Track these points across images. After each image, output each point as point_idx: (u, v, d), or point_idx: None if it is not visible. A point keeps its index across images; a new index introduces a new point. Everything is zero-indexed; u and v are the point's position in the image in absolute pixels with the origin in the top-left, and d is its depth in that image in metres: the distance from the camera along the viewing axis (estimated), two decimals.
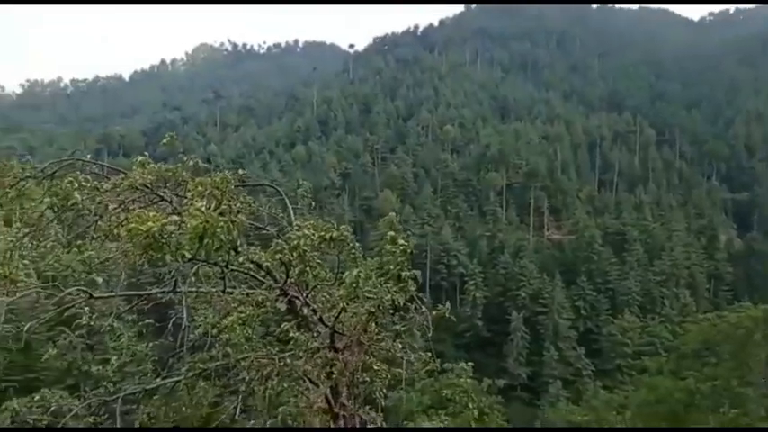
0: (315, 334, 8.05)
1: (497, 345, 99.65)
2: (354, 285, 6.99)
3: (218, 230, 5.74)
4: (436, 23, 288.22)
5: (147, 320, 9.80)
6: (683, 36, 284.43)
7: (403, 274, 7.07)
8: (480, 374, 42.33)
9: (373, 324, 7.33)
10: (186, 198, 9.20)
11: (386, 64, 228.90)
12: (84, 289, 7.77)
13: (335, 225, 7.42)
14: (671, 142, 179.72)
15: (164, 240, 5.69)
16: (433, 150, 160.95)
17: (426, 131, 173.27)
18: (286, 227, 9.28)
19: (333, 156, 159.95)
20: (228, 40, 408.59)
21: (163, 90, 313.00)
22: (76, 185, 8.33)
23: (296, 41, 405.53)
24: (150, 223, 5.69)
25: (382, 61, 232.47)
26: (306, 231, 7.17)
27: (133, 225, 5.71)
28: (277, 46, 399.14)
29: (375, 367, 8.55)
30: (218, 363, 8.20)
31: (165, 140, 9.61)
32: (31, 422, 7.59)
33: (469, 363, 21.12)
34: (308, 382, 7.72)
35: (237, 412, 7.66)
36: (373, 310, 7.09)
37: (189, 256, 5.85)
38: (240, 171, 10.21)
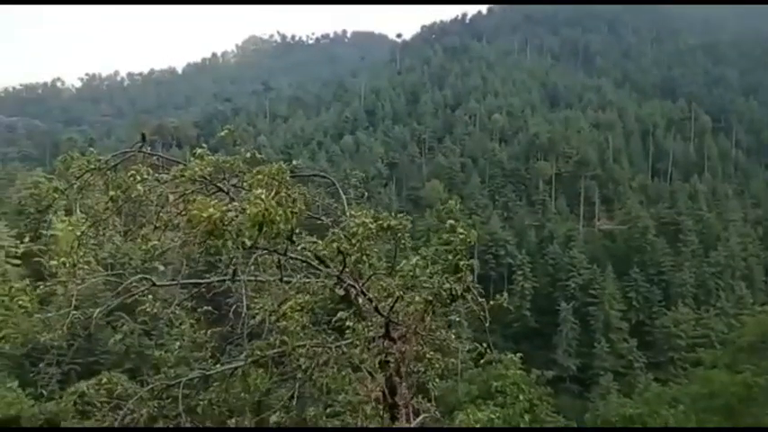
0: (369, 323, 8.06)
1: (546, 336, 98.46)
2: (411, 275, 6.97)
3: (277, 218, 5.78)
4: (484, 11, 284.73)
5: (205, 308, 9.99)
6: (742, 20, 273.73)
7: (461, 263, 7.00)
8: (529, 365, 41.88)
9: (430, 314, 7.30)
10: (243, 189, 9.37)
11: (434, 53, 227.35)
12: (148, 277, 7.96)
13: (393, 214, 7.39)
14: (727, 130, 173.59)
15: (225, 227, 5.76)
16: (480, 140, 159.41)
17: (474, 121, 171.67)
18: (340, 216, 9.33)
19: (380, 146, 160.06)
20: (278, 32, 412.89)
21: (214, 82, 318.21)
22: (139, 178, 8.55)
23: (344, 32, 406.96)
24: (212, 210, 5.76)
25: (430, 50, 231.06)
26: (364, 220, 7.15)
27: (195, 212, 5.78)
28: (325, 36, 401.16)
29: (429, 357, 8.54)
30: (275, 350, 8.29)
31: (223, 133, 9.73)
32: (98, 405, 7.83)
33: (519, 354, 20.84)
34: (363, 371, 7.74)
35: (295, 399, 7.73)
36: (431, 299, 7.05)
37: (249, 243, 5.91)
38: (294, 162, 10.33)
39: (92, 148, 9.40)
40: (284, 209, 5.88)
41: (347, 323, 7.79)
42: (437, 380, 9.27)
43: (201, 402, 8.36)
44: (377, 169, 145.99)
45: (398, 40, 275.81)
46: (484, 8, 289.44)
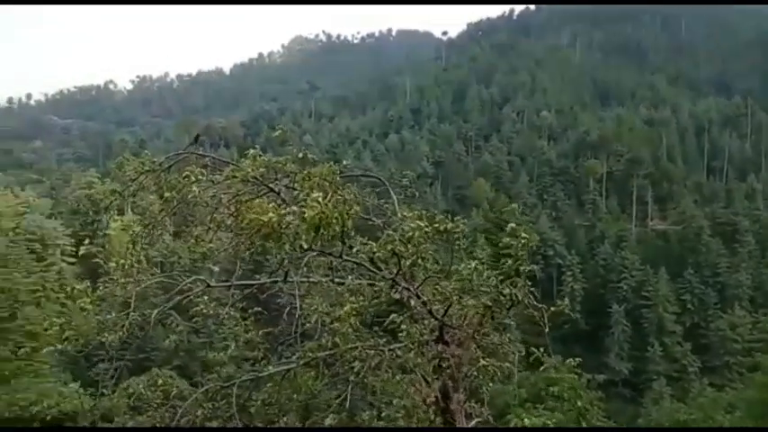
0: (423, 327, 7.97)
1: (597, 339, 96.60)
2: (469, 278, 6.85)
3: (334, 221, 5.75)
4: (532, 7, 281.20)
5: (256, 308, 10.05)
6: None
7: (521, 268, 6.86)
8: (579, 369, 41.11)
9: (489, 319, 7.16)
10: (295, 189, 9.39)
11: (480, 50, 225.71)
12: (203, 279, 8.04)
13: (447, 216, 7.29)
14: None
15: (283, 230, 5.76)
16: (528, 138, 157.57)
17: (522, 118, 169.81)
18: (391, 217, 9.26)
19: (425, 144, 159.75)
20: (323, 32, 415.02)
21: (261, 82, 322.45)
22: (193, 179, 8.66)
23: (389, 30, 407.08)
24: (271, 214, 5.77)
25: (477, 47, 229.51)
26: (420, 223, 7.07)
27: (254, 216, 5.80)
28: (370, 36, 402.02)
29: (483, 362, 8.39)
30: (327, 352, 8.27)
31: (276, 133, 9.80)
32: (155, 406, 7.94)
33: (573, 358, 20.30)
34: (418, 375, 7.65)
35: (347, 402, 7.69)
36: (490, 304, 6.92)
37: (306, 246, 5.90)
38: (343, 162, 10.31)
39: (146, 151, 9.56)
40: (340, 211, 5.85)
41: (401, 326, 7.72)
42: (489, 383, 9.12)
43: (255, 403, 8.41)
44: (422, 168, 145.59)
45: (444, 38, 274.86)
46: (532, 4, 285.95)
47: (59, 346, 7.18)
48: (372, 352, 7.72)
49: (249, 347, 8.93)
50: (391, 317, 7.64)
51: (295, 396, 8.53)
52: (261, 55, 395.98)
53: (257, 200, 9.54)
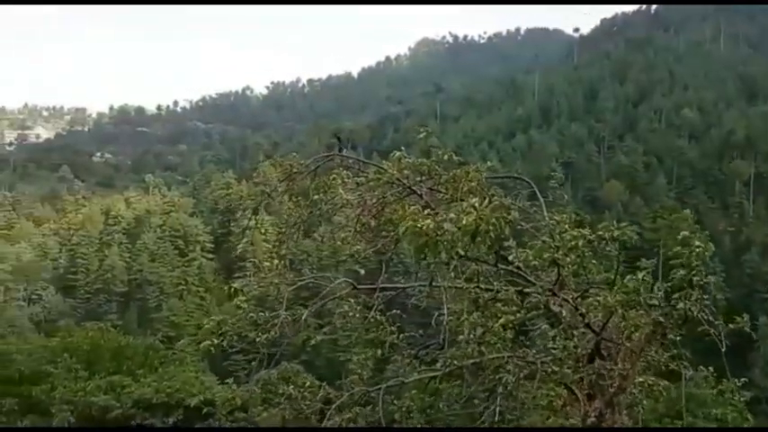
0: (577, 339, 7.52)
1: (741, 353, 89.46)
2: (637, 291, 6.36)
3: (491, 227, 5.52)
4: None
5: (394, 311, 9.98)
6: None
7: (695, 279, 6.29)
8: (740, 390, 38.13)
9: (659, 336, 6.63)
10: (440, 192, 9.23)
11: (614, 46, 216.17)
12: (349, 281, 8.06)
13: (616, 223, 6.82)
14: None
15: (439, 238, 5.61)
16: (667, 137, 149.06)
17: (660, 116, 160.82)
18: (540, 221, 8.87)
19: (554, 144, 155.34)
20: (449, 33, 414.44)
21: (387, 85, 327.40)
22: (340, 181, 8.75)
23: (517, 29, 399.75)
24: (428, 221, 5.63)
25: (610, 44, 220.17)
26: (583, 231, 6.67)
27: (411, 223, 5.69)
28: (497, 35, 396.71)
29: (643, 378, 7.82)
30: (472, 360, 8.03)
31: (421, 135, 9.71)
32: (305, 407, 8.05)
33: (742, 379, 18.41)
34: (576, 391, 7.23)
35: (496, 415, 7.39)
36: (662, 320, 6.39)
37: (462, 253, 5.72)
38: (488, 163, 10.02)
39: (294, 153, 9.81)
40: (497, 217, 5.60)
41: (557, 340, 7.32)
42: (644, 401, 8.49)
43: (400, 409, 8.33)
44: (551, 169, 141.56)
45: (576, 35, 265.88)
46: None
47: (214, 341, 7.42)
48: (523, 363, 7.37)
49: (394, 351, 8.85)
50: (542, 328, 7.27)
51: (441, 405, 8.35)
52: (388, 58, 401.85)
53: (400, 203, 9.56)
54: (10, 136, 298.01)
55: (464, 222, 5.48)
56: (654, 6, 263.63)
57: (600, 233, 6.75)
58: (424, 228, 5.59)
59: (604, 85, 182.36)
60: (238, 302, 7.44)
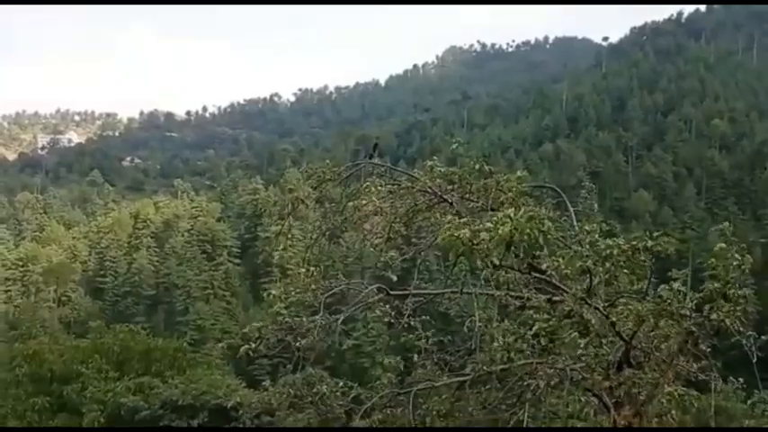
0: (606, 347, 7.58)
1: None
2: (669, 301, 6.42)
3: (526, 237, 5.63)
4: (703, 9, 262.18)
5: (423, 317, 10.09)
6: None
7: (731, 292, 6.34)
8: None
9: (691, 346, 6.67)
10: (471, 200, 9.35)
11: (643, 55, 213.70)
12: (383, 287, 8.21)
13: (650, 233, 6.89)
14: None
15: (475, 247, 5.73)
16: (696, 147, 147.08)
17: (689, 127, 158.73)
18: (569, 230, 8.93)
19: (582, 154, 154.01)
20: (477, 41, 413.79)
21: (414, 92, 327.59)
22: (373, 189, 8.92)
23: (545, 38, 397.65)
24: (465, 230, 5.76)
25: (639, 53, 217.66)
26: (618, 240, 6.76)
27: (449, 233, 5.83)
28: (526, 44, 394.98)
29: (671, 388, 7.82)
30: (501, 366, 8.12)
31: (454, 146, 9.87)
32: (336, 407, 8.19)
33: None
34: (605, 399, 7.29)
35: (525, 422, 7.47)
36: (694, 330, 6.45)
37: (497, 262, 5.84)
38: (518, 173, 10.11)
39: (327, 161, 10.00)
40: (532, 227, 5.72)
41: (582, 346, 7.36)
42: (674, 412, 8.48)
43: (431, 413, 8.44)
44: (578, 178, 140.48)
45: (604, 44, 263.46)
46: (702, 5, 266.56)
47: (252, 345, 7.61)
48: (551, 371, 7.44)
49: (424, 355, 8.98)
50: (572, 335, 7.32)
51: (470, 410, 8.45)
52: (416, 66, 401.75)
53: (431, 211, 9.70)
54: (43, 140, 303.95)
55: (500, 232, 5.59)
56: (684, 15, 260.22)
57: (634, 243, 6.81)
58: (461, 237, 5.72)
59: (633, 95, 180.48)
60: (278, 308, 7.62)
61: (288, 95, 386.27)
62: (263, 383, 12.70)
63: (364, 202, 9.05)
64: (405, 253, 9.80)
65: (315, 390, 9.33)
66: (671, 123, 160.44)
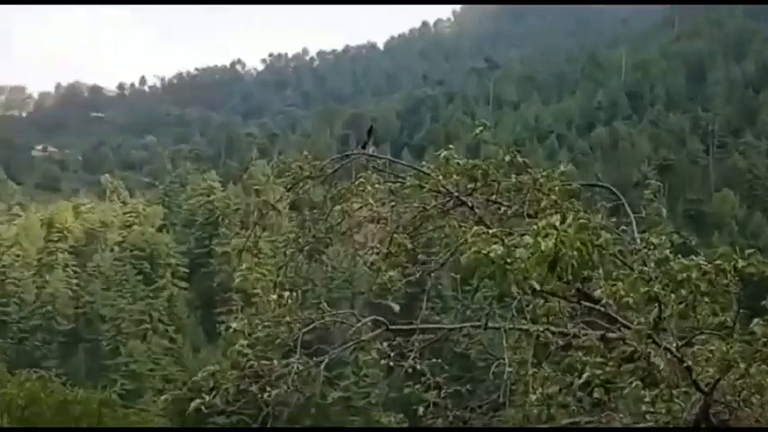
0: (679, 401, 7.60)
1: None
2: (765, 340, 6.43)
3: (575, 254, 5.61)
4: None
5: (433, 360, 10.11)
6: None
7: None
8: None
9: None
10: (497, 203, 9.34)
11: (729, 11, 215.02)
12: (380, 319, 8.21)
13: (739, 249, 6.91)
14: None
15: (509, 267, 5.70)
16: None
17: None
18: (629, 243, 8.96)
19: (647, 141, 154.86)
20: None
21: (423, 58, 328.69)
22: (367, 189, 8.90)
23: None
24: (495, 246, 5.72)
25: (724, 7, 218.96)
26: (699, 260, 6.76)
27: (475, 249, 5.78)
28: None
29: None
30: (538, 426, 8.13)
31: (477, 131, 9.85)
32: None
33: None
34: None
35: None
36: None
37: (537, 287, 5.82)
38: (561, 168, 10.11)
39: (306, 152, 9.95)
40: (583, 240, 5.69)
41: (646, 398, 7.39)
42: None
43: None
44: (642, 173, 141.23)
45: None
46: None
47: (201, 397, 7.59)
48: None
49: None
50: (635, 385, 7.33)
51: None
52: (425, 24, 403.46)
53: (446, 217, 9.69)
54: None
55: (542, 247, 5.55)
56: None
57: (718, 263, 6.81)
58: (492, 254, 5.67)
59: (714, 64, 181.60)
60: (240, 348, 7.59)
61: (255, 62, 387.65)
62: None
63: (356, 205, 9.05)
64: (410, 274, 9.79)
65: None
66: (764, 101, 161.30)
